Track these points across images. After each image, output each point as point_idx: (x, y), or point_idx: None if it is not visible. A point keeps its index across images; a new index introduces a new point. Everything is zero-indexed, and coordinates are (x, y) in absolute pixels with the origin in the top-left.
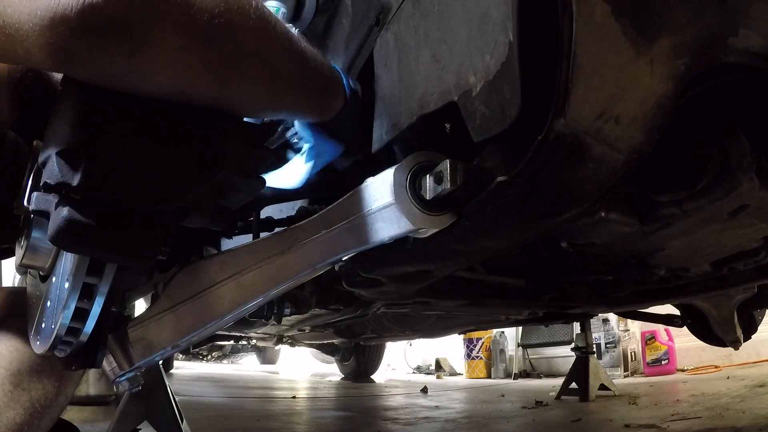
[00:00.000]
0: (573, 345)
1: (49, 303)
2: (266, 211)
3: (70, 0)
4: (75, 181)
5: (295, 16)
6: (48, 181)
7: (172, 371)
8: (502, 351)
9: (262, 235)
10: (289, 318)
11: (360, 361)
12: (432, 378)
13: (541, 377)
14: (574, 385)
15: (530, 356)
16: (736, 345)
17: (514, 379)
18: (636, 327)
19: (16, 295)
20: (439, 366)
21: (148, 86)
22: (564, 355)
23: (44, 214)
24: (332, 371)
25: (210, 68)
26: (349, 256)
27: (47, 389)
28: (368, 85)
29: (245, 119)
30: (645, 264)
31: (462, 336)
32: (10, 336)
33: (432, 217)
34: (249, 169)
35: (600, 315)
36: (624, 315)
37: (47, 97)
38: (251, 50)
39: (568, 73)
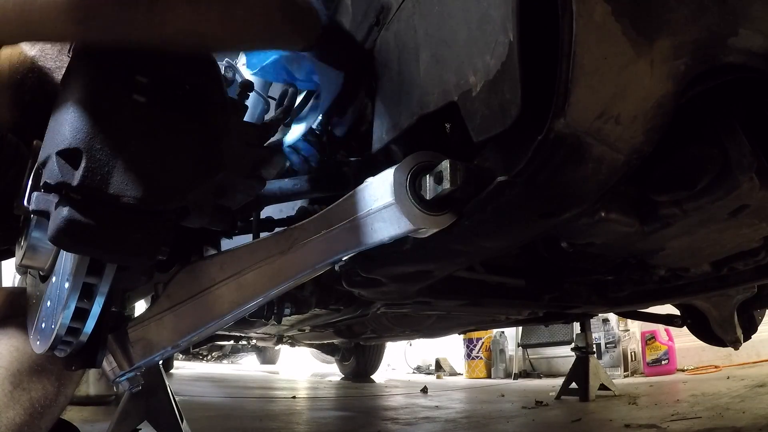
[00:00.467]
0: (573, 345)
1: (49, 303)
2: (266, 211)
3: None
4: (75, 180)
5: None
6: (48, 181)
7: (172, 371)
8: (502, 351)
9: (262, 235)
10: (289, 318)
11: (360, 361)
12: (432, 378)
13: (541, 377)
14: (574, 385)
15: (530, 356)
16: (736, 345)
17: (514, 379)
18: (636, 327)
19: (16, 295)
20: (439, 366)
21: (163, 34)
22: (564, 355)
23: (44, 214)
24: (332, 371)
25: (217, 6)
26: (349, 256)
27: (47, 389)
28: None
29: (246, 121)
30: (645, 264)
31: (462, 336)
32: (10, 336)
33: (432, 217)
34: (249, 170)
35: (600, 315)
36: (624, 315)
37: (47, 98)
38: None
39: (568, 73)
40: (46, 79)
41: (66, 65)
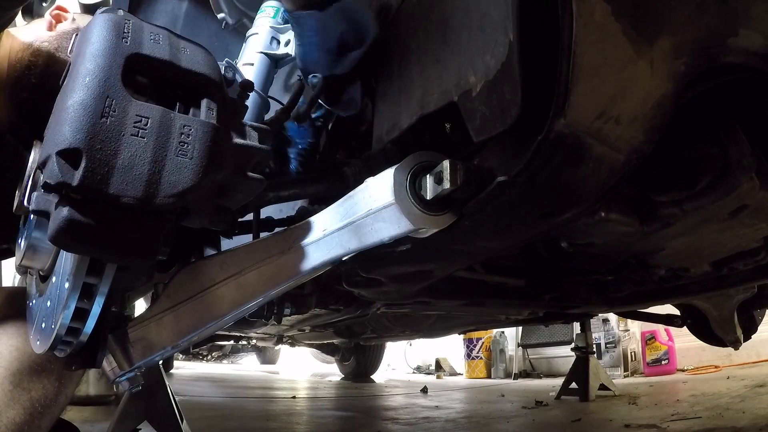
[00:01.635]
0: (573, 345)
1: (49, 303)
2: (266, 211)
3: None
4: (75, 180)
5: None
6: (48, 181)
7: (172, 371)
8: (502, 351)
9: (262, 235)
10: (289, 318)
11: (360, 361)
12: (432, 378)
13: (541, 377)
14: (574, 385)
15: (530, 356)
16: (736, 345)
17: (514, 379)
18: (636, 327)
19: (16, 295)
20: (439, 366)
21: None
22: (564, 355)
23: (44, 214)
24: (332, 371)
25: None
26: (349, 256)
27: (47, 389)
28: None
29: (246, 121)
30: (645, 264)
31: (462, 336)
32: (10, 336)
33: (432, 217)
34: (249, 170)
35: (600, 315)
36: (624, 315)
37: (45, 97)
38: None
39: (568, 73)
40: (46, 74)
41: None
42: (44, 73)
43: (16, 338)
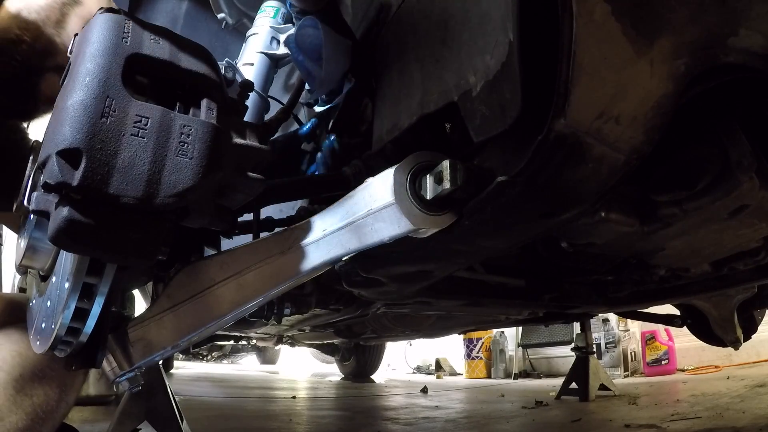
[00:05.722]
0: (573, 345)
1: (49, 303)
2: (266, 211)
3: None
4: (75, 180)
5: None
6: (48, 181)
7: (172, 371)
8: (502, 351)
9: (262, 235)
10: (289, 318)
11: (360, 361)
12: (432, 378)
13: (541, 377)
14: (574, 385)
15: (530, 356)
16: (736, 345)
17: (514, 379)
18: (636, 327)
19: (17, 301)
20: (439, 366)
21: None
22: (564, 355)
23: (44, 214)
24: (332, 371)
25: None
26: (349, 256)
27: (49, 395)
28: None
29: (246, 121)
30: (645, 264)
31: (462, 336)
32: (12, 341)
33: (432, 217)
34: (249, 170)
35: (600, 315)
36: (624, 315)
37: (29, 73)
38: None
39: (568, 73)
40: (32, 50)
41: (51, 44)
42: (30, 49)
43: (18, 344)
